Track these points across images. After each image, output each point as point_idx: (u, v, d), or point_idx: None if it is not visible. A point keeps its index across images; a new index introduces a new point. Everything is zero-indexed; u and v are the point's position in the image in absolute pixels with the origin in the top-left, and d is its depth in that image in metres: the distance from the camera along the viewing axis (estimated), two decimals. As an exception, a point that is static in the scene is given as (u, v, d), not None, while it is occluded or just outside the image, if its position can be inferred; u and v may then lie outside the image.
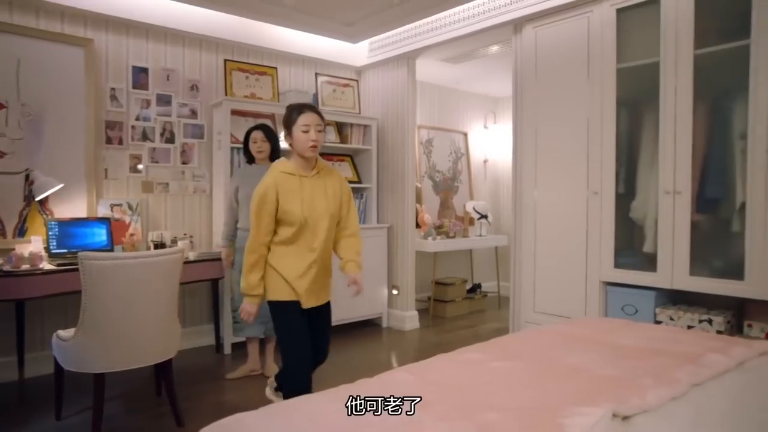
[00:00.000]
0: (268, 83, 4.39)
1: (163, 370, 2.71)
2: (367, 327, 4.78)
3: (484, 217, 5.54)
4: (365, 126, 4.87)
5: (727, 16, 2.85)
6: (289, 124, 2.27)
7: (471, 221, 5.61)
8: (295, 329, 2.24)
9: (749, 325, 2.90)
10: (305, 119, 2.22)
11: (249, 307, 2.28)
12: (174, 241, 3.79)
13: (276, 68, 4.46)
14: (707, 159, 2.94)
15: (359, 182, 4.87)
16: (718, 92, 2.95)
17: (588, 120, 3.35)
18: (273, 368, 3.41)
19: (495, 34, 4.00)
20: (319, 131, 2.24)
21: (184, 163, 4.11)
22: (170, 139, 4.04)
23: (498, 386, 1.48)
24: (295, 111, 2.26)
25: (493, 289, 6.04)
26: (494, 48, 4.49)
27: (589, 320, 2.47)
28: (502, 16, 3.76)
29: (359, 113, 4.92)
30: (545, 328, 2.27)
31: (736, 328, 2.97)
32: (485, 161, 6.30)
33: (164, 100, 4.01)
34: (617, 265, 3.25)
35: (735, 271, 2.78)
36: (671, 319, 3.04)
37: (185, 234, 3.96)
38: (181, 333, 2.73)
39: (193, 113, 4.16)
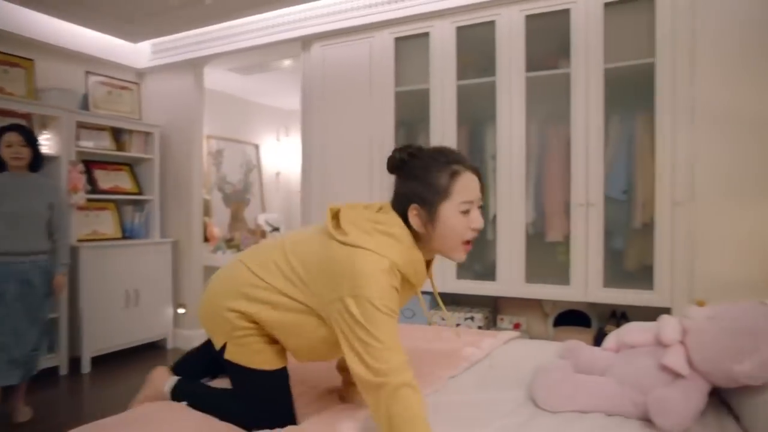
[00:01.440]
0: (21, 77, 3.77)
1: None
2: (150, 350, 4.39)
3: (277, 229, 5.54)
4: (147, 133, 4.50)
5: (481, 55, 3.33)
6: (428, 198, 1.26)
7: (263, 234, 5.55)
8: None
9: (501, 319, 3.39)
10: (466, 188, 1.26)
11: None
12: None
13: (33, 60, 3.86)
14: (468, 176, 3.38)
15: (139, 193, 4.47)
16: (476, 118, 3.41)
17: (371, 138, 3.58)
18: (27, 412, 2.92)
19: (285, 48, 4.05)
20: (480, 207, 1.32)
21: None
22: None
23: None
24: (445, 166, 1.26)
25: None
26: (287, 62, 4.54)
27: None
28: (291, 31, 3.83)
29: (140, 119, 4.53)
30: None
31: (492, 322, 3.45)
32: (278, 174, 6.31)
33: None
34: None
35: (490, 273, 3.24)
36: (442, 319, 3.40)
37: None
38: None
39: None
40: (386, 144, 3.52)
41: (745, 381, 1.29)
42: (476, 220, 1.28)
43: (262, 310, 1.35)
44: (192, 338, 4.44)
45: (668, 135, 2.77)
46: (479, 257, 3.39)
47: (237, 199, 5.65)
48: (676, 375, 1.36)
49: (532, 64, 3.13)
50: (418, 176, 1.28)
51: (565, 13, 3.02)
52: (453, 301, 3.56)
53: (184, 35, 4.33)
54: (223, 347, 1.41)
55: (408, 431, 1.07)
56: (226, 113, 5.66)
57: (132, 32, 4.33)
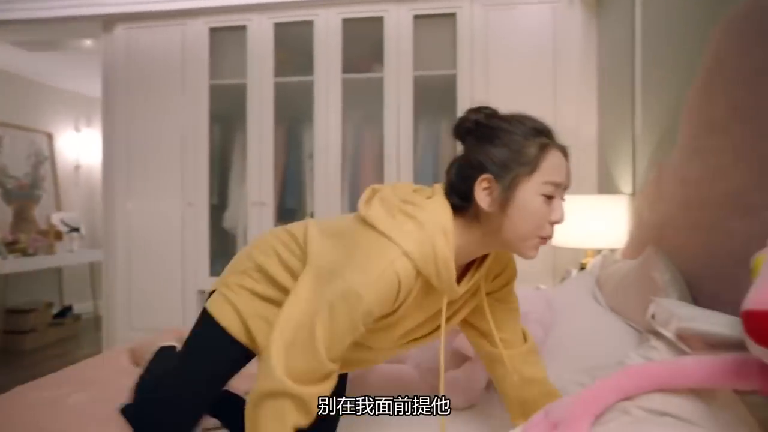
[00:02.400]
0: None
1: None
2: None
3: (76, 230, 4.92)
4: None
5: (299, 54, 3.33)
6: (508, 169, 0.97)
7: (59, 235, 4.89)
8: None
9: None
10: (555, 167, 0.99)
11: None
12: None
13: None
14: (286, 174, 3.37)
15: None
16: (294, 117, 3.41)
17: (182, 132, 3.37)
18: None
19: (82, 26, 3.60)
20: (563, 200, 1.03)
21: None
22: None
23: (74, 427, 1.31)
24: (534, 134, 0.99)
25: (89, 309, 5.41)
26: (87, 42, 4.06)
27: (180, 331, 2.46)
28: (89, 7, 3.42)
29: None
30: (124, 347, 2.14)
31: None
32: (77, 167, 5.61)
33: None
34: (213, 273, 3.36)
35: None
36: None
37: None
38: None
39: None
40: (200, 140, 3.33)
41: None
42: (558, 211, 0.98)
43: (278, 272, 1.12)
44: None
45: (467, 140, 3.06)
46: (298, 255, 3.40)
47: (23, 196, 4.88)
48: (465, 357, 1.50)
49: (348, 67, 3.22)
50: (499, 138, 0.98)
51: (379, 20, 3.16)
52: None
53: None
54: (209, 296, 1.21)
55: None
56: (7, 95, 4.86)
57: None
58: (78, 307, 5.37)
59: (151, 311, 3.42)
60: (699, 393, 0.84)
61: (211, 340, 1.13)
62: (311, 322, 0.93)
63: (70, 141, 5.53)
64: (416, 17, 3.14)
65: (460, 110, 3.05)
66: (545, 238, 0.99)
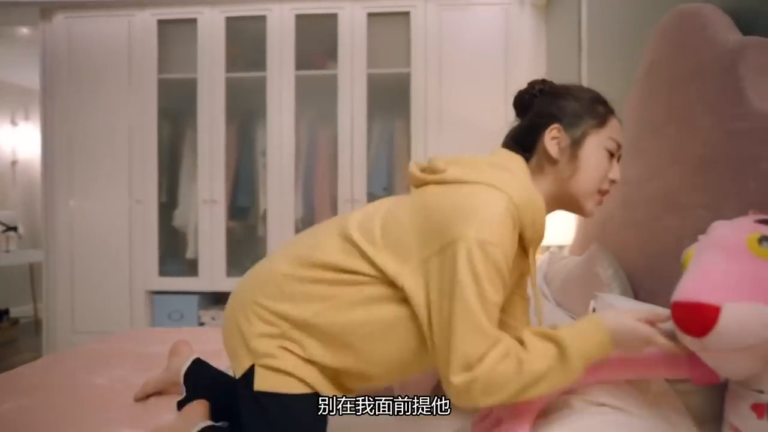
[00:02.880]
0: None
1: None
2: None
3: (13, 229, 4.68)
4: None
5: (252, 49, 3.28)
6: (580, 120, 1.00)
7: (-6, 235, 4.64)
8: None
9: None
10: (618, 129, 1.03)
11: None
12: None
13: None
14: (238, 171, 3.31)
15: None
16: (246, 113, 3.35)
17: (130, 127, 3.25)
18: None
19: (17, 13, 3.40)
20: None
21: None
22: None
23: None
24: (599, 102, 1.03)
25: (28, 313, 5.16)
26: (24, 30, 3.86)
27: (123, 334, 2.38)
28: (25, -6, 3.26)
29: None
30: (73, 351, 2.06)
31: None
32: (14, 163, 5.34)
33: None
34: (162, 273, 3.27)
35: (261, 269, 3.21)
36: (213, 318, 3.27)
37: None
38: None
39: None
40: (148, 135, 3.23)
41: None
42: (617, 170, 1.01)
43: (320, 312, 0.94)
44: None
45: (421, 138, 3.09)
46: (250, 253, 3.35)
47: (-46, 193, 4.61)
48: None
49: (302, 63, 3.19)
50: (571, 95, 1.02)
51: (333, 17, 3.14)
52: (225, 298, 3.44)
53: None
54: (248, 374, 0.96)
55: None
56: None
57: None
58: (16, 311, 5.11)
59: (96, 314, 3.30)
60: (635, 383, 0.88)
61: (288, 417, 0.95)
62: (458, 306, 0.82)
63: (6, 135, 5.26)
64: (370, 15, 3.14)
65: (414, 109, 3.10)
66: (604, 194, 1.01)
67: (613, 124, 1.01)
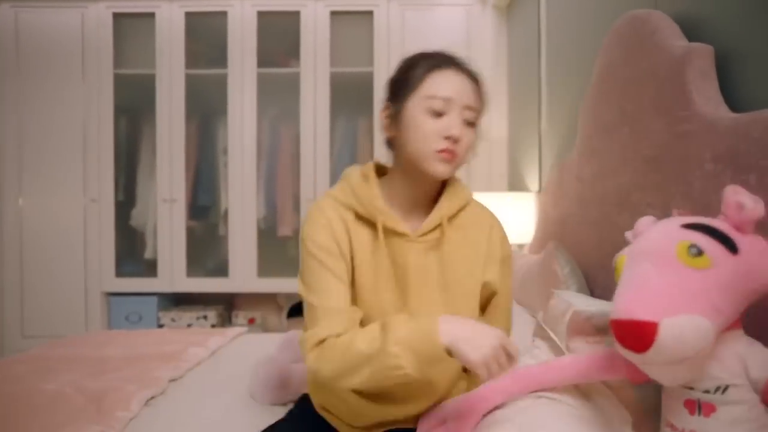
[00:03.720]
0: None
1: None
2: None
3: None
4: None
5: (212, 46, 3.22)
6: (399, 91, 1.03)
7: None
8: None
9: (236, 315, 3.35)
10: (441, 83, 1.00)
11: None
12: None
13: None
14: (199, 170, 3.25)
15: None
16: (207, 111, 3.28)
17: (84, 124, 3.15)
18: None
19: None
20: (470, 123, 1.02)
21: None
22: None
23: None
24: (419, 64, 1.03)
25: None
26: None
27: (77, 337, 2.31)
28: (-31, -16, 3.11)
29: None
30: (21, 356, 1.98)
31: (227, 320, 3.39)
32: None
33: None
34: (119, 274, 3.18)
35: (222, 269, 3.17)
36: (173, 320, 3.20)
37: None
38: None
39: None
40: (104, 131, 3.13)
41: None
42: (453, 126, 0.97)
43: None
44: None
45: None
46: (211, 253, 3.30)
47: None
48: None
49: (264, 61, 3.15)
50: (396, 71, 1.07)
51: (296, 14, 3.12)
52: (186, 300, 3.38)
53: None
54: None
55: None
56: None
57: None
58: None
59: (48, 317, 3.18)
60: (578, 387, 0.91)
61: None
62: None
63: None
64: (333, 13, 3.12)
65: (377, 108, 3.08)
66: (445, 152, 0.98)
67: (434, 80, 0.99)
